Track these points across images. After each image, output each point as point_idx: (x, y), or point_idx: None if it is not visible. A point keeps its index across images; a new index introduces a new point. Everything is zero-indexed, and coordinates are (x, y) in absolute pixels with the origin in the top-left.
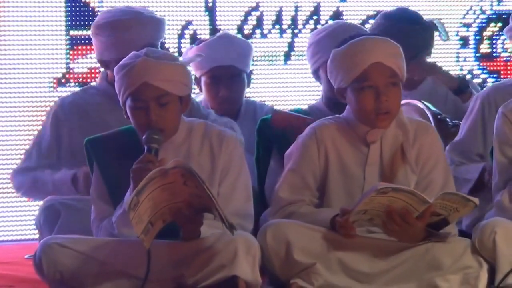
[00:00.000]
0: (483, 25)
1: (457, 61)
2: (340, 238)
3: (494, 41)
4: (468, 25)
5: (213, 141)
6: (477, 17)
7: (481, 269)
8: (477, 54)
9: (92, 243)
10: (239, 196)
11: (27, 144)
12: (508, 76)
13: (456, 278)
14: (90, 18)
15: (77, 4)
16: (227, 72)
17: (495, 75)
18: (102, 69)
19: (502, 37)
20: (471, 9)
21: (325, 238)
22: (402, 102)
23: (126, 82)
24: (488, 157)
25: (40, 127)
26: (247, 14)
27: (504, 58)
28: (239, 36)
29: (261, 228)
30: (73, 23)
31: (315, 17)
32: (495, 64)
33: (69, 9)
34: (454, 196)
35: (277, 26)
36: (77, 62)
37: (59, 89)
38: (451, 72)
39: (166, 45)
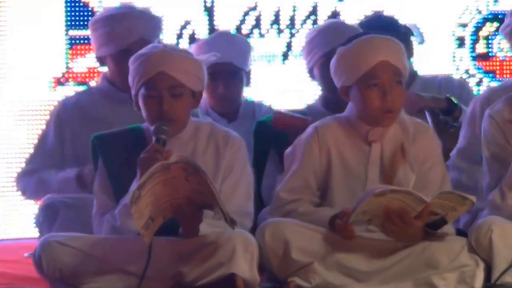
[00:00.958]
0: (479, 25)
1: (454, 61)
2: (338, 237)
3: (490, 41)
4: (464, 25)
5: (218, 141)
6: (473, 17)
7: (478, 268)
8: (473, 54)
9: (91, 240)
10: (240, 195)
11: (27, 143)
12: (504, 76)
13: (453, 277)
14: (90, 18)
15: (77, 4)
16: (226, 69)
17: (491, 75)
18: (101, 69)
19: (498, 37)
20: (467, 9)
21: (323, 237)
22: None
23: (141, 71)
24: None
25: (39, 127)
26: (246, 14)
27: (500, 58)
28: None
29: (260, 227)
30: (73, 23)
31: (313, 17)
32: (491, 64)
33: (69, 9)
34: (451, 195)
35: (275, 26)
36: (77, 62)
37: (59, 88)
38: (449, 72)
39: None
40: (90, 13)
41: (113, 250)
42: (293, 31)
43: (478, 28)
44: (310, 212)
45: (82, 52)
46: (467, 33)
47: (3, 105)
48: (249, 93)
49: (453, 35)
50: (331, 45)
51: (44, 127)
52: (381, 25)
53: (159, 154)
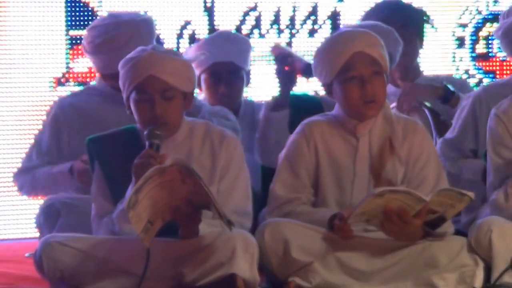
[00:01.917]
0: (479, 25)
1: (454, 61)
2: (338, 237)
3: (490, 41)
4: (464, 26)
5: (214, 141)
6: (473, 18)
7: (477, 268)
8: (473, 54)
9: (92, 241)
10: (238, 195)
11: (27, 143)
12: (504, 76)
13: (453, 277)
14: (90, 18)
15: (77, 4)
16: (227, 69)
17: (491, 75)
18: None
19: None
20: (467, 9)
21: (323, 237)
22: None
23: (131, 75)
24: (482, 159)
25: (40, 127)
26: (246, 14)
27: (500, 58)
28: None
29: (259, 227)
30: (73, 23)
31: (312, 17)
32: (491, 64)
33: (69, 9)
34: (449, 191)
35: (275, 26)
36: (77, 62)
37: (59, 88)
38: (449, 72)
39: (165, 45)
40: (90, 13)
41: (114, 251)
42: (293, 31)
43: (478, 29)
44: (309, 213)
45: (83, 52)
46: (467, 34)
47: (3, 105)
48: (249, 93)
49: (453, 35)
50: None
51: (41, 126)
52: (395, 8)
53: (153, 160)
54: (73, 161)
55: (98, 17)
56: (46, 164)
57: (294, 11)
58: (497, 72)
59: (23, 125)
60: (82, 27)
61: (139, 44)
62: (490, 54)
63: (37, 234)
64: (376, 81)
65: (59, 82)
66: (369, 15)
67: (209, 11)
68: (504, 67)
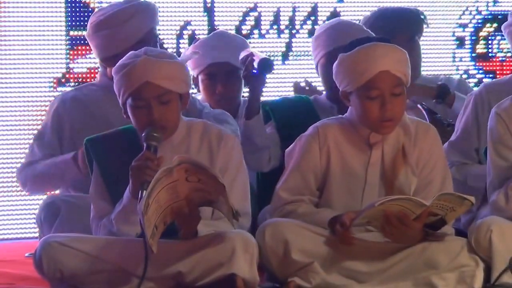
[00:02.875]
0: (479, 25)
1: (453, 61)
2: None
3: (490, 42)
4: (464, 26)
5: (212, 140)
6: (473, 18)
7: (477, 268)
8: (473, 54)
9: (92, 241)
10: (236, 195)
11: (27, 143)
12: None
13: (453, 277)
14: None
15: (77, 4)
16: (223, 69)
17: (491, 75)
18: (101, 69)
19: (498, 38)
20: (467, 9)
21: (323, 237)
22: None
23: (126, 82)
24: (482, 157)
25: (40, 127)
26: (245, 14)
27: (500, 58)
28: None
29: (260, 227)
30: (73, 23)
31: (312, 18)
32: (491, 64)
33: (69, 9)
34: (450, 196)
35: (275, 27)
36: (77, 62)
37: (59, 89)
38: (449, 72)
39: (165, 46)
40: (90, 14)
41: (114, 251)
42: (293, 31)
43: (478, 29)
44: (310, 213)
45: (83, 52)
46: (467, 34)
47: (3, 105)
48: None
49: (453, 35)
50: (332, 45)
51: (43, 121)
52: (402, 13)
53: (150, 162)
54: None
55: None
56: (49, 157)
57: (294, 11)
58: (497, 72)
59: (23, 125)
60: (82, 27)
61: (138, 24)
62: (490, 54)
63: (37, 234)
64: (396, 100)
65: (59, 82)
66: (375, 23)
67: (209, 11)
68: (504, 67)
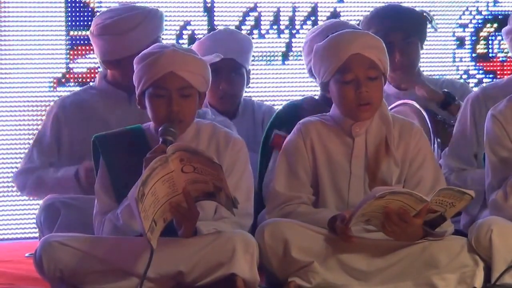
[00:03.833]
0: (479, 25)
1: (454, 61)
2: (338, 238)
3: (490, 42)
4: (464, 26)
5: (220, 142)
6: (473, 18)
7: (478, 268)
8: (474, 55)
9: (92, 241)
10: (240, 195)
11: (27, 143)
12: (504, 77)
13: (453, 277)
14: (90, 18)
15: (77, 4)
16: (228, 65)
17: (491, 76)
18: (100, 69)
19: (498, 38)
20: (467, 9)
21: (323, 237)
22: (399, 102)
23: (150, 71)
24: (481, 162)
25: (40, 127)
26: (245, 14)
27: (500, 59)
28: None
29: (259, 227)
30: (73, 23)
31: (312, 18)
32: (491, 64)
33: (69, 9)
34: (450, 191)
35: (275, 27)
36: (77, 62)
37: (59, 89)
38: (449, 72)
39: None
40: (90, 14)
41: (114, 250)
42: (293, 31)
43: (478, 29)
44: (309, 213)
45: (83, 52)
46: (467, 34)
47: (3, 105)
48: (249, 93)
49: (453, 35)
50: None
51: (41, 126)
52: (397, 16)
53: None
54: (73, 161)
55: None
56: (48, 164)
57: (294, 11)
58: (497, 72)
59: (23, 125)
60: (82, 27)
61: (145, 32)
62: (490, 55)
63: (37, 234)
64: (372, 83)
65: (59, 82)
66: (370, 22)
67: (209, 11)
68: (505, 68)
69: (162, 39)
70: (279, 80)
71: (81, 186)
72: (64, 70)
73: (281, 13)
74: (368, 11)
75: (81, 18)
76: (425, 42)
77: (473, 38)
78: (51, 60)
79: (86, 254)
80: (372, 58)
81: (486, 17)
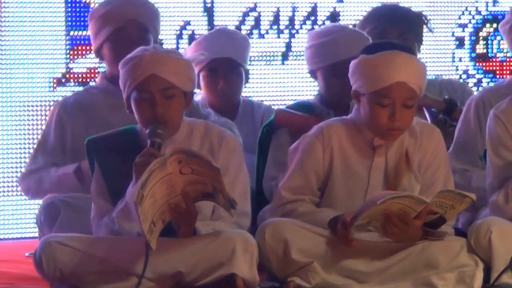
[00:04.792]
0: (479, 25)
1: (453, 61)
2: (338, 240)
3: (489, 42)
4: (463, 26)
5: (213, 141)
6: (473, 18)
7: (477, 268)
8: (473, 55)
9: (92, 241)
10: (237, 195)
11: (27, 143)
12: (504, 77)
13: (452, 277)
14: None
15: (77, 4)
16: (226, 64)
17: (490, 75)
18: (101, 69)
19: (498, 38)
20: (466, 9)
21: (323, 237)
22: None
23: (132, 74)
24: (482, 158)
25: (40, 127)
26: (245, 14)
27: (500, 59)
28: None
29: (260, 227)
30: (73, 23)
31: (312, 18)
32: (490, 64)
33: (69, 9)
34: (450, 193)
35: (274, 27)
36: (77, 62)
37: (59, 89)
38: (449, 72)
39: (165, 46)
40: None
41: (114, 251)
42: (293, 31)
43: (477, 29)
44: (310, 213)
45: (83, 52)
46: (466, 34)
47: (3, 105)
48: (248, 93)
49: (453, 35)
50: (336, 58)
51: (44, 127)
52: (393, 13)
53: (154, 158)
54: (77, 161)
55: None
56: (51, 165)
57: (293, 11)
58: (497, 72)
59: (23, 125)
60: (82, 27)
61: (130, 12)
62: (489, 55)
63: (37, 234)
64: (406, 111)
65: (59, 82)
66: (367, 22)
67: (209, 11)
68: (504, 68)
69: (162, 39)
70: (279, 80)
71: (81, 182)
72: (64, 70)
73: (280, 13)
74: (367, 11)
75: (81, 18)
76: (425, 42)
77: (473, 38)
78: (51, 60)
79: (86, 254)
80: (414, 88)
81: (485, 17)
